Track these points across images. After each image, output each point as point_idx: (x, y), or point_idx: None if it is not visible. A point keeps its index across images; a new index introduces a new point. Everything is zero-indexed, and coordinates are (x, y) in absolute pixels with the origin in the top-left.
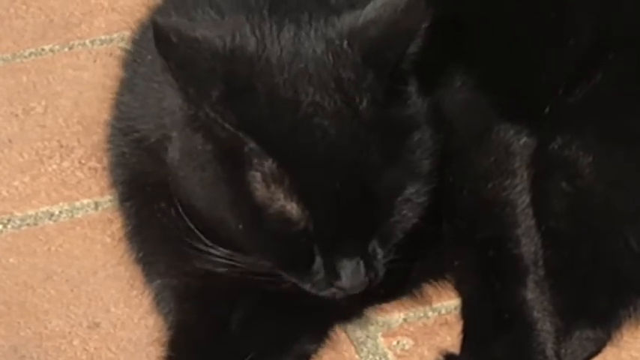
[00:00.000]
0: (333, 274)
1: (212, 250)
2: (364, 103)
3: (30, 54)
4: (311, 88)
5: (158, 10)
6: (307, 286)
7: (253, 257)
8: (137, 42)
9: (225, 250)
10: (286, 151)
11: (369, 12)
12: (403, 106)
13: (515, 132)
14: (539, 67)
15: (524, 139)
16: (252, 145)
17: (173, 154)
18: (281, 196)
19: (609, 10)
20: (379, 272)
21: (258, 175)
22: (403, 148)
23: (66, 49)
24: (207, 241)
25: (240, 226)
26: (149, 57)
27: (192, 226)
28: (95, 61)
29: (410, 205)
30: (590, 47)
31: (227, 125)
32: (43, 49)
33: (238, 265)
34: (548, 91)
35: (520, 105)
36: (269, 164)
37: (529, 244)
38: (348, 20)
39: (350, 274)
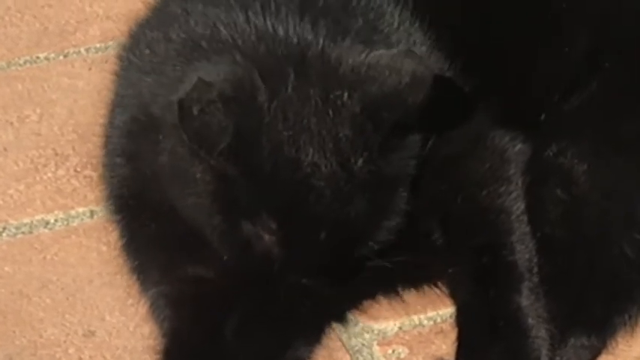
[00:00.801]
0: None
1: None
2: (359, 162)
3: (25, 62)
4: (311, 148)
5: (142, 23)
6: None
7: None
8: (125, 53)
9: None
10: (280, 207)
11: (372, 66)
12: (395, 162)
13: (510, 139)
14: (535, 74)
15: (519, 146)
16: (249, 195)
17: (159, 165)
18: (266, 239)
19: (605, 18)
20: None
21: (248, 217)
22: (388, 200)
23: (61, 57)
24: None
25: (225, 257)
26: (136, 67)
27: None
28: (90, 69)
29: (380, 238)
30: (586, 55)
31: (229, 174)
32: (38, 57)
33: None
34: (544, 99)
35: (515, 112)
36: (261, 214)
37: (524, 251)
38: (350, 65)
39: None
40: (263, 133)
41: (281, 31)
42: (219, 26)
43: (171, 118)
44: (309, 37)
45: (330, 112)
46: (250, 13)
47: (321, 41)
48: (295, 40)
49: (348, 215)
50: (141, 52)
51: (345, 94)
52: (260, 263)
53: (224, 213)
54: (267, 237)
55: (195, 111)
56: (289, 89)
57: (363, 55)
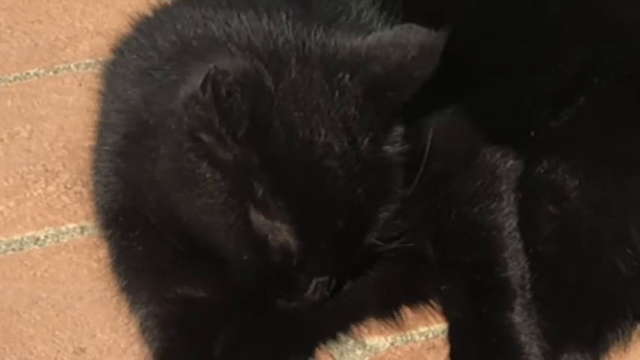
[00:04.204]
0: (304, 288)
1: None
2: (365, 142)
3: (15, 78)
4: (323, 128)
5: (124, 40)
6: (278, 298)
7: (236, 274)
8: (109, 69)
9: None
10: (297, 191)
11: (373, 46)
12: (395, 139)
13: (501, 155)
14: (525, 90)
15: (510, 162)
16: (266, 182)
17: (157, 171)
18: (284, 231)
19: (595, 35)
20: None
21: (263, 209)
22: (389, 181)
23: (51, 73)
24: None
25: (245, 257)
26: (122, 80)
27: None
28: (80, 85)
29: (381, 228)
30: (576, 71)
31: (247, 163)
32: (28, 73)
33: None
34: (534, 115)
35: (506, 128)
36: (277, 202)
37: (516, 268)
38: (350, 47)
39: (320, 290)
40: (275, 116)
41: (275, 26)
42: (210, 25)
43: (172, 121)
44: (305, 30)
45: (336, 93)
46: (241, 12)
47: (317, 32)
48: (291, 32)
49: (360, 198)
50: (126, 64)
51: (347, 77)
52: (278, 258)
53: (238, 209)
54: (284, 230)
55: (224, 92)
56: (293, 73)
57: (360, 38)
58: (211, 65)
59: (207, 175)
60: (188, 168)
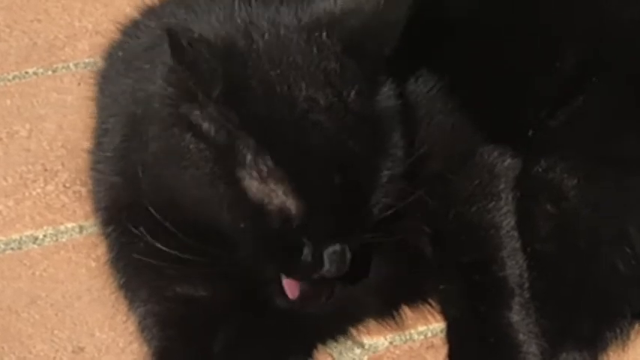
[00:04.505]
0: (319, 262)
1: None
2: (352, 94)
3: (14, 77)
4: (303, 83)
5: (113, 45)
6: (292, 276)
7: (239, 252)
8: (101, 76)
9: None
10: (285, 147)
11: (346, 2)
12: (385, 94)
13: (499, 154)
14: (523, 90)
15: (508, 161)
16: (251, 142)
17: (148, 153)
18: (280, 192)
19: (592, 34)
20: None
21: (254, 172)
22: (383, 135)
23: (50, 73)
24: (188, 240)
25: (242, 225)
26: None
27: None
28: (79, 84)
29: (385, 189)
30: (573, 71)
31: (228, 124)
32: (26, 73)
33: (219, 266)
34: (532, 114)
35: (504, 128)
36: (267, 161)
37: (514, 267)
38: (324, 8)
39: (335, 261)
40: (251, 75)
41: (251, 7)
42: (186, 17)
43: (156, 101)
44: (279, 4)
45: (314, 50)
46: (217, 8)
47: (289, 3)
48: (265, 8)
49: (353, 151)
50: (117, 67)
51: (324, 34)
52: (278, 223)
53: (227, 177)
54: (280, 191)
55: (184, 42)
56: (266, 36)
57: (333, 1)
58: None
59: (192, 146)
60: (174, 143)
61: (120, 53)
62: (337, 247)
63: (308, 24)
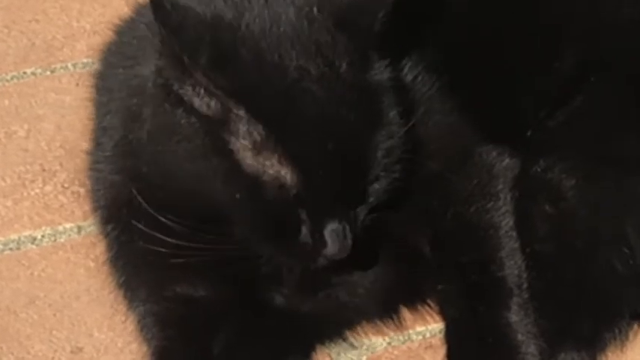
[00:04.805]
0: (320, 242)
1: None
2: (344, 66)
3: (12, 77)
4: (294, 52)
5: (108, 46)
6: (295, 259)
7: (238, 234)
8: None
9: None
10: (277, 116)
11: None
12: (377, 70)
13: (497, 154)
14: (522, 90)
15: (506, 161)
16: (242, 112)
17: (144, 132)
18: (274, 162)
19: (591, 34)
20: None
21: (247, 143)
22: (379, 108)
23: (48, 73)
24: (185, 222)
25: (237, 196)
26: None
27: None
28: (77, 84)
29: (384, 163)
30: (572, 71)
31: (218, 92)
32: (25, 73)
33: (219, 252)
34: (530, 114)
35: (503, 127)
36: (259, 131)
37: (513, 267)
38: None
39: (337, 240)
40: (240, 45)
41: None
42: None
43: (149, 81)
44: None
45: (305, 23)
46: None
47: None
48: None
49: (347, 120)
50: (113, 66)
51: (315, 10)
52: (274, 193)
53: (220, 150)
54: (274, 160)
55: (168, 5)
56: (256, 9)
57: None
58: None
59: (183, 121)
60: (166, 119)
61: (115, 52)
62: (337, 224)
63: (298, 1)
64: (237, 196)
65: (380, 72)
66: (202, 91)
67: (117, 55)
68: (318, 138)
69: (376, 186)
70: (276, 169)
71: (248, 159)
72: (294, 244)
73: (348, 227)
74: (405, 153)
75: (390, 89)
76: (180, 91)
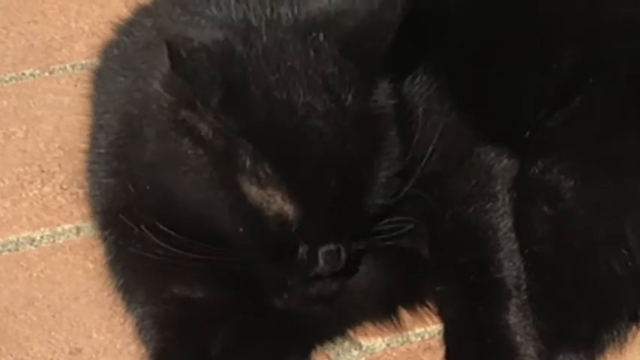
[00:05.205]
0: (314, 260)
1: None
2: (349, 98)
3: (10, 78)
4: (301, 88)
5: (108, 44)
6: (287, 273)
7: (238, 252)
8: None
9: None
10: (284, 154)
11: (341, 2)
12: (381, 93)
13: (495, 154)
14: (520, 90)
15: (505, 162)
16: (250, 149)
17: (145, 152)
18: (278, 198)
19: (590, 35)
20: (353, 255)
21: (253, 178)
22: (380, 136)
23: (46, 74)
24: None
25: (241, 229)
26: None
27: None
28: (76, 85)
29: (382, 191)
30: (571, 71)
31: (227, 131)
32: (23, 74)
33: (217, 266)
34: (529, 115)
35: (501, 128)
36: (265, 169)
37: (511, 268)
38: (319, 9)
39: (329, 260)
40: (250, 81)
41: (246, 4)
42: (182, 17)
43: (153, 102)
44: (274, 2)
45: (312, 53)
46: (213, 7)
47: (285, 2)
48: (261, 5)
49: (351, 154)
50: (112, 66)
51: (321, 36)
52: (276, 227)
53: (227, 182)
54: (278, 196)
55: (184, 53)
56: (264, 39)
57: (328, 1)
58: (172, 34)
59: (190, 151)
60: (172, 147)
61: (115, 52)
62: (332, 246)
63: (304, 24)
64: (241, 228)
65: (383, 95)
66: (211, 126)
67: (117, 59)
68: (321, 175)
69: (372, 210)
70: (279, 205)
71: (253, 193)
72: (290, 262)
73: (342, 248)
74: (403, 159)
75: (391, 107)
76: (189, 123)
